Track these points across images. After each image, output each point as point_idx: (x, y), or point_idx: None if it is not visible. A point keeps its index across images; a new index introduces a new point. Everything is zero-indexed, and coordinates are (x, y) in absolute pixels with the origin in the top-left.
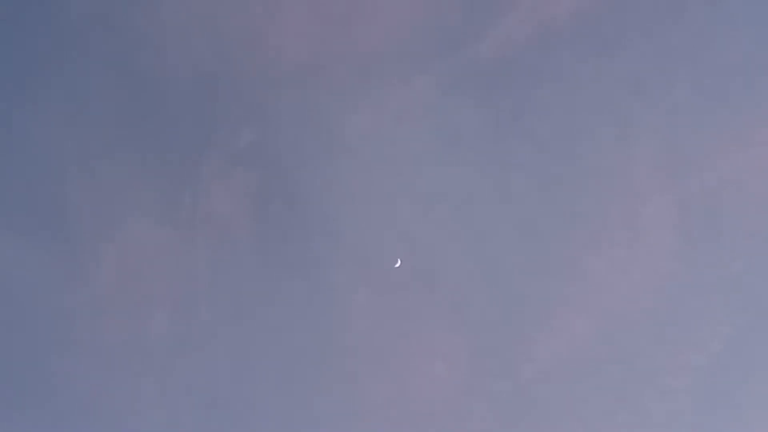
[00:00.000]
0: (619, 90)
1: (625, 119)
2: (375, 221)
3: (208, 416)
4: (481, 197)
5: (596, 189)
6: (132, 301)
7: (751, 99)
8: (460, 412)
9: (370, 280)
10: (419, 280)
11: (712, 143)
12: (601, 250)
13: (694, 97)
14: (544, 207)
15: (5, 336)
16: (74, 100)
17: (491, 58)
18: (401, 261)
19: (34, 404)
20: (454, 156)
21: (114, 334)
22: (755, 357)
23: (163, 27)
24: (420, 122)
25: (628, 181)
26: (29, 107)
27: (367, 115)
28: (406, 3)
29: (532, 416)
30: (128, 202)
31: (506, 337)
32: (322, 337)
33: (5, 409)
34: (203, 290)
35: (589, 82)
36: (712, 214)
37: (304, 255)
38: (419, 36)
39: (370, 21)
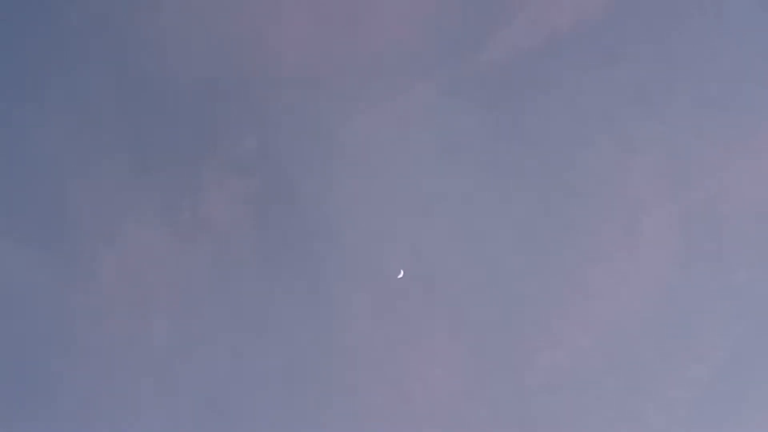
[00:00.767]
0: (621, 99)
1: (627, 128)
2: (375, 227)
3: (208, 420)
4: (483, 205)
5: (598, 198)
6: (132, 306)
7: (753, 109)
8: (460, 420)
9: (371, 286)
10: (420, 287)
11: (714, 153)
12: (602, 259)
13: (695, 106)
14: (545, 216)
15: (5, 339)
16: (74, 104)
17: (493, 65)
18: (403, 271)
19: (33, 407)
20: (455, 163)
21: (114, 339)
22: (757, 369)
23: (163, 31)
24: (421, 128)
25: (629, 191)
26: (29, 110)
27: (369, 121)
28: (408, 9)
29: (532, 425)
30: (128, 206)
31: (506, 346)
32: (322, 343)
33: (5, 412)
34: (203, 295)
35: (591, 91)
36: (713, 225)
37: (304, 260)
38: (421, 42)
39: (371, 26)
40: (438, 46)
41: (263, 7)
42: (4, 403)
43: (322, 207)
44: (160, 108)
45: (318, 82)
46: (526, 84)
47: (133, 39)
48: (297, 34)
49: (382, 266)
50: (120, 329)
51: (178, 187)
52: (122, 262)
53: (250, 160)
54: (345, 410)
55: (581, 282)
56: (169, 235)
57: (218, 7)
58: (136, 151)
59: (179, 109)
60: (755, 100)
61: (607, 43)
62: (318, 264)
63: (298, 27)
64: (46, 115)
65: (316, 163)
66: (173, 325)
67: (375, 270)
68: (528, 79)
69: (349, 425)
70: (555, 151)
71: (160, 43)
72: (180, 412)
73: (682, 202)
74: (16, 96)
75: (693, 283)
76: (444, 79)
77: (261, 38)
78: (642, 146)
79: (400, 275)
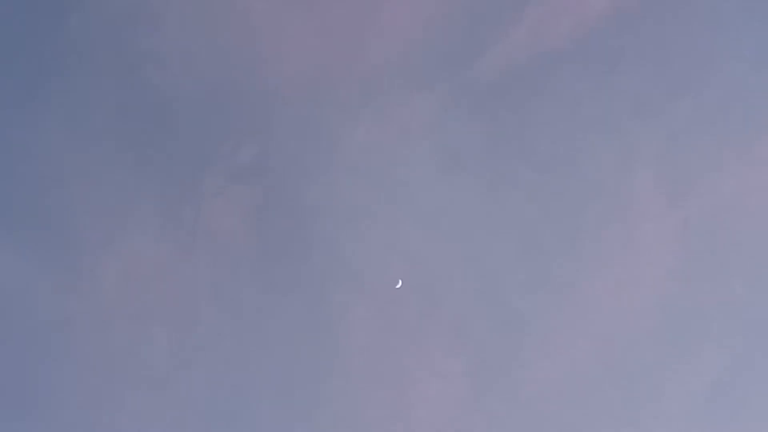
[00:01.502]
0: (620, 110)
1: (626, 139)
2: (375, 238)
3: (208, 430)
4: (482, 215)
5: (596, 209)
6: (132, 316)
7: (752, 120)
8: (458, 431)
9: (370, 296)
10: (419, 298)
11: (713, 164)
12: (601, 270)
13: (694, 117)
14: (544, 226)
15: (4, 347)
16: (75, 113)
17: (493, 76)
18: (402, 281)
19: (33, 417)
20: (455, 173)
21: (114, 349)
22: (755, 381)
23: (165, 42)
24: (421, 139)
25: (628, 202)
26: (30, 119)
27: (369, 132)
28: (408, 20)
29: None
30: (129, 216)
31: (505, 357)
32: (322, 353)
33: (4, 421)
34: (203, 305)
35: (590, 102)
36: (713, 236)
37: (305, 271)
38: (421, 53)
39: (372, 38)
40: (438, 57)
41: (264, 18)
42: (3, 412)
43: (323, 217)
44: (161, 117)
45: (318, 92)
46: (526, 95)
47: (135, 49)
48: (298, 46)
49: (381, 277)
50: (120, 339)
51: (179, 196)
52: (122, 271)
53: (250, 171)
54: (344, 421)
55: (580, 293)
56: (169, 244)
57: (219, 18)
58: (138, 161)
59: (180, 118)
60: (754, 111)
61: (606, 55)
62: (318, 274)
63: (299, 38)
64: (47, 123)
65: (317, 173)
66: (173, 335)
67: (374, 281)
68: (527, 90)
69: None
70: (554, 162)
71: (161, 53)
72: (180, 422)
73: (681, 213)
74: (17, 104)
75: (691, 295)
76: (444, 90)
77: (262, 49)
78: (641, 157)
79: (399, 285)
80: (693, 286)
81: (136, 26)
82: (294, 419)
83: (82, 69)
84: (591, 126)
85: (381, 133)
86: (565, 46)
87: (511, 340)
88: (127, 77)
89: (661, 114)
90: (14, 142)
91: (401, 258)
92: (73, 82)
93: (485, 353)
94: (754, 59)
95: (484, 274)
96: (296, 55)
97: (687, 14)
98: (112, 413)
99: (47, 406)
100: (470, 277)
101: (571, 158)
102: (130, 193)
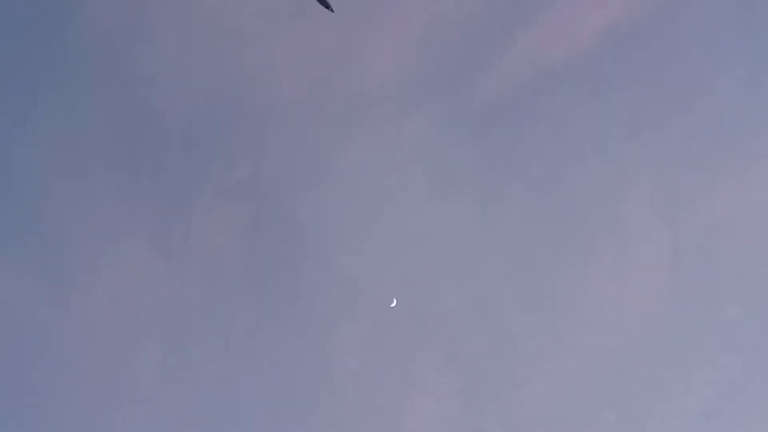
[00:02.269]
0: (613, 132)
1: (619, 160)
2: (368, 257)
3: None
4: (474, 235)
5: (589, 229)
6: (122, 332)
7: (744, 143)
8: None
9: (362, 315)
10: (411, 317)
11: (706, 184)
12: (594, 291)
13: (687, 139)
14: (536, 246)
15: None
16: (69, 131)
17: (486, 98)
18: (396, 300)
19: (23, 429)
20: (447, 193)
21: (104, 364)
22: (747, 401)
23: (159, 61)
24: (414, 159)
25: (621, 222)
26: (24, 137)
27: (362, 152)
28: (402, 42)
29: None
30: (120, 232)
31: (497, 377)
32: (313, 372)
33: None
34: (194, 322)
35: (583, 124)
36: (704, 257)
37: (296, 289)
38: (414, 75)
39: (365, 59)
40: (431, 80)
41: (258, 39)
42: None
43: (315, 236)
44: (154, 135)
45: (311, 112)
46: (518, 116)
47: (129, 67)
48: (292, 66)
49: (373, 295)
50: (110, 355)
51: (171, 213)
52: (113, 287)
53: (243, 189)
54: None
55: (572, 313)
56: (160, 261)
57: (213, 38)
58: (129, 178)
59: (173, 136)
60: (745, 134)
61: (599, 78)
62: (310, 293)
63: (292, 58)
64: (40, 141)
65: (309, 191)
66: (163, 352)
67: (367, 299)
68: (520, 111)
69: None
70: (546, 182)
71: (154, 72)
72: None
73: (674, 235)
74: (11, 121)
75: (684, 315)
76: (436, 111)
77: (256, 69)
78: (633, 178)
79: (393, 304)
80: (685, 306)
81: (130, 46)
82: None
83: (76, 87)
84: (584, 147)
85: (374, 153)
86: (557, 69)
87: (504, 360)
88: (121, 96)
89: (654, 135)
90: (6, 159)
91: (393, 277)
92: (66, 101)
93: (478, 372)
94: (746, 82)
95: (477, 294)
96: (290, 75)
97: (679, 38)
98: (101, 428)
99: (37, 420)
100: (463, 296)
101: (563, 179)
102: (122, 210)
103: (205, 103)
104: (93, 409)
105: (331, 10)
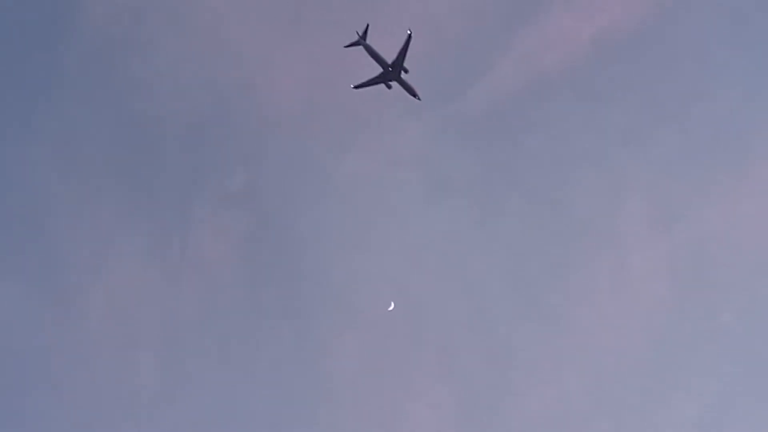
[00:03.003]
0: (609, 141)
1: (615, 171)
2: (365, 267)
3: None
4: (471, 245)
5: (586, 239)
6: (119, 343)
7: (740, 153)
8: None
9: (359, 325)
10: (408, 327)
11: (702, 194)
12: (590, 300)
13: (683, 148)
14: (533, 256)
15: None
16: (65, 142)
17: (482, 107)
18: (393, 305)
19: None
20: (444, 203)
21: (100, 375)
22: (745, 409)
23: (158, 73)
24: (411, 169)
25: (617, 232)
26: (20, 148)
27: (359, 161)
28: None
29: None
30: (119, 242)
31: (494, 388)
32: (309, 381)
33: None
34: (191, 333)
35: (579, 133)
36: (701, 266)
37: (293, 300)
38: (412, 84)
39: (363, 69)
40: (427, 87)
41: (255, 49)
42: None
43: (312, 245)
44: (151, 145)
45: (309, 122)
46: (515, 125)
47: (128, 80)
48: (289, 76)
49: (370, 305)
50: (106, 366)
51: (168, 225)
52: (110, 298)
53: (240, 200)
54: None
55: (569, 322)
56: (157, 272)
57: (211, 49)
58: (126, 188)
59: (170, 146)
60: (741, 145)
61: (595, 87)
62: (307, 303)
63: (290, 69)
64: (36, 152)
65: (307, 201)
66: (161, 360)
67: (364, 309)
68: (516, 120)
69: None
70: (543, 192)
71: (152, 82)
72: None
73: (670, 243)
74: (7, 133)
75: (681, 325)
76: (433, 122)
77: (253, 79)
78: (630, 189)
79: (391, 307)
80: (682, 316)
81: (127, 56)
82: None
83: (73, 98)
84: (580, 156)
85: (371, 162)
86: (553, 78)
87: (501, 370)
88: (118, 106)
89: (650, 145)
90: (5, 169)
91: (390, 287)
92: (63, 111)
93: (474, 383)
94: (741, 90)
95: (474, 304)
96: (287, 85)
97: (675, 46)
98: None
99: (35, 429)
100: (459, 306)
101: (560, 189)
102: (119, 220)
103: (203, 112)
104: (90, 418)
105: (419, 99)
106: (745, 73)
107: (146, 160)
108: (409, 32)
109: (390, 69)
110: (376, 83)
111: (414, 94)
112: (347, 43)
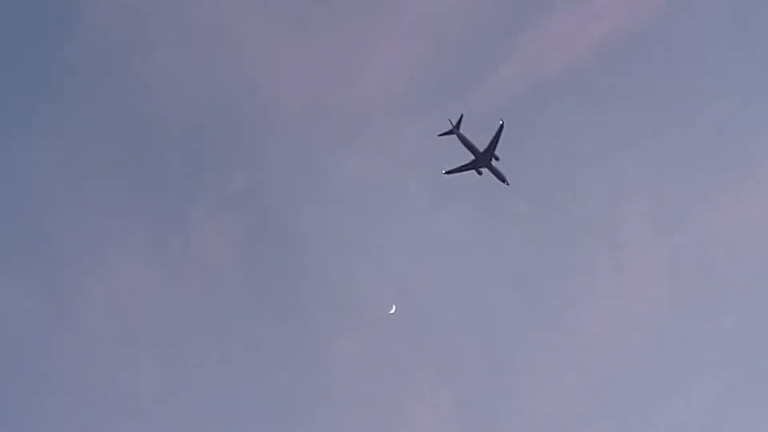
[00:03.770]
0: (610, 144)
1: (617, 173)
2: (365, 268)
3: None
4: (472, 247)
5: (587, 242)
6: (119, 343)
7: (741, 156)
8: None
9: (359, 326)
10: (408, 329)
11: (703, 198)
12: (591, 302)
13: (684, 152)
14: (534, 258)
15: None
16: (66, 141)
17: (484, 109)
18: (395, 308)
19: None
20: (445, 205)
21: (100, 375)
22: (744, 412)
23: (158, 72)
24: (413, 171)
25: (618, 235)
26: (22, 148)
27: (361, 163)
28: (401, 54)
29: None
30: (117, 243)
31: (494, 388)
32: (310, 382)
33: None
34: (191, 333)
35: (580, 136)
36: (701, 269)
37: (294, 301)
38: (413, 86)
39: (365, 70)
40: (430, 90)
41: (257, 50)
42: None
43: (312, 247)
44: (152, 146)
45: (310, 123)
46: (516, 128)
47: (129, 80)
48: (291, 77)
49: (371, 307)
50: (107, 366)
51: (169, 225)
52: (111, 299)
53: (241, 200)
54: None
55: (570, 325)
56: (158, 272)
57: (213, 50)
58: (127, 188)
59: (171, 147)
60: (743, 147)
61: (597, 90)
62: (307, 304)
63: (292, 70)
64: (37, 151)
65: (308, 202)
66: (161, 362)
67: (364, 310)
68: (518, 123)
69: None
70: (544, 194)
71: (153, 83)
72: None
73: (671, 246)
74: (10, 132)
75: (681, 327)
76: (435, 123)
77: (254, 80)
78: (631, 191)
79: (393, 311)
80: (682, 319)
81: (129, 56)
82: None
83: (75, 98)
84: (581, 159)
85: (372, 164)
86: (556, 81)
87: (501, 371)
88: (120, 106)
89: (652, 147)
90: (5, 170)
91: (391, 289)
92: (65, 111)
93: (474, 384)
94: (744, 94)
95: (474, 305)
96: (289, 86)
97: (677, 50)
98: None
99: (34, 430)
100: (460, 308)
101: (561, 191)
102: (120, 220)
103: (203, 113)
104: (90, 417)
105: (507, 184)
106: (747, 76)
107: (147, 160)
108: (501, 122)
109: (482, 156)
110: (467, 169)
111: (503, 180)
112: (441, 132)
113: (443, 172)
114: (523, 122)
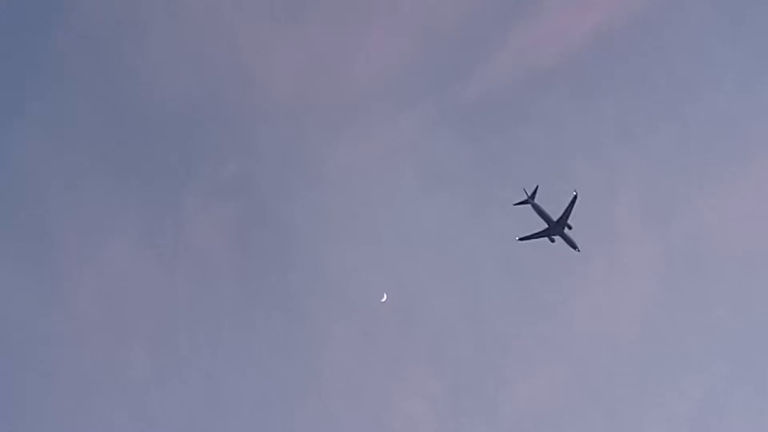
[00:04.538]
0: (603, 134)
1: (609, 164)
2: (357, 257)
3: None
4: (464, 236)
5: (579, 233)
6: (111, 330)
7: (735, 147)
8: None
9: (351, 315)
10: (400, 317)
11: (696, 189)
12: (583, 294)
13: (677, 143)
14: (527, 249)
15: None
16: (58, 128)
17: (477, 98)
18: (386, 296)
19: (10, 429)
20: (438, 194)
21: (91, 363)
22: (737, 404)
23: (151, 60)
24: (405, 159)
25: (610, 226)
26: (14, 134)
27: (352, 152)
28: (393, 42)
29: None
30: (110, 230)
31: (486, 378)
32: (302, 370)
33: None
34: (183, 321)
35: (573, 126)
36: (694, 261)
37: (286, 289)
38: (405, 74)
39: (357, 59)
40: (422, 78)
41: (250, 38)
42: None
43: (305, 235)
44: (144, 133)
45: (302, 111)
46: (509, 117)
47: (121, 67)
48: (283, 65)
49: (363, 295)
50: (98, 354)
51: (161, 212)
52: (102, 286)
53: (233, 187)
54: None
55: (562, 316)
56: (149, 260)
57: (205, 38)
58: (120, 177)
59: (163, 134)
60: (736, 140)
61: (590, 80)
62: (299, 292)
63: (284, 58)
64: (30, 138)
65: (300, 191)
66: (151, 350)
67: (356, 299)
68: (511, 112)
69: None
70: (536, 184)
71: (147, 73)
72: None
73: (664, 238)
74: (3, 119)
75: (673, 319)
76: (428, 111)
77: (247, 68)
78: (624, 182)
79: (384, 299)
80: (675, 310)
81: (121, 44)
82: None
83: (67, 86)
84: (574, 149)
85: (364, 152)
86: (549, 71)
87: (492, 362)
88: (112, 95)
89: (645, 138)
90: None
91: (383, 277)
92: (56, 100)
93: (466, 373)
94: (737, 86)
95: (466, 294)
96: (281, 74)
97: (670, 41)
98: (90, 425)
99: (25, 418)
100: (452, 297)
101: (554, 181)
102: (112, 208)
103: (195, 102)
104: (82, 406)
105: (578, 251)
106: (740, 67)
107: (140, 148)
108: (575, 193)
109: (555, 225)
110: (541, 237)
111: (574, 247)
112: (516, 201)
113: (517, 238)
114: (515, 111)
